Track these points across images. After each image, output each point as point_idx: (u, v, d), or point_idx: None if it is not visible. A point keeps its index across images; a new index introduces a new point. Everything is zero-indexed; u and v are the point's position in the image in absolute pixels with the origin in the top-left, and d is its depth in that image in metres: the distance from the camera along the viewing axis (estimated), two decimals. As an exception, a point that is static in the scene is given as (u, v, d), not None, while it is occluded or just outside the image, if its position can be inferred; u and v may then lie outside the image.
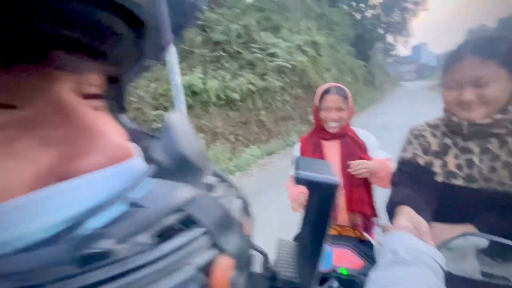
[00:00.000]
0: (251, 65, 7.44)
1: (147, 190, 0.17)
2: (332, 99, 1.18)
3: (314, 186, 0.28)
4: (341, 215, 1.21)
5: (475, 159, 0.71)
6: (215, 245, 0.16)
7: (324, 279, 0.69)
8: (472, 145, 0.72)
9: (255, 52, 7.60)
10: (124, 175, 0.16)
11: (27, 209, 0.13)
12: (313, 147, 1.25)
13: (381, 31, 25.07)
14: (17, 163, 0.14)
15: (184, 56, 6.15)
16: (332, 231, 0.81)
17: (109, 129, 0.18)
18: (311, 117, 6.13)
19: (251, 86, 6.76)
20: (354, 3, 22.60)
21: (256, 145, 6.33)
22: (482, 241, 0.56)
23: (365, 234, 0.74)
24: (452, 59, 0.71)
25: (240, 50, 7.33)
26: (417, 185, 0.76)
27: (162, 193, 0.16)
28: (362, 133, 1.27)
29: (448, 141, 0.77)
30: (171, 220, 0.15)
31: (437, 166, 0.77)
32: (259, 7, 9.86)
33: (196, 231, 0.15)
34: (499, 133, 0.67)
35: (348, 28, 16.82)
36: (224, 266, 0.15)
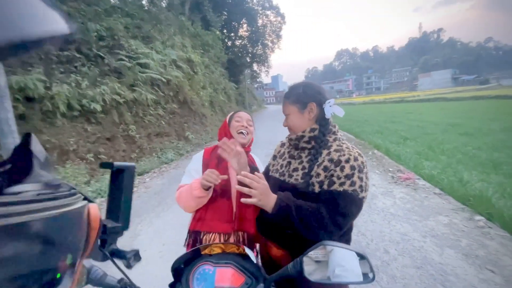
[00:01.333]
0: (118, 73, 6.52)
1: None
2: (243, 114, 1.34)
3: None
4: (233, 232, 1.17)
5: (292, 162, 1.04)
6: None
7: None
8: (292, 152, 1.06)
9: (122, 60, 6.75)
10: None
11: None
12: (217, 161, 1.24)
13: (248, 59, 28.88)
14: None
15: (13, 49, 4.57)
16: (216, 250, 0.76)
17: None
18: (189, 133, 6.01)
19: (117, 97, 5.88)
20: (225, 31, 24.94)
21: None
22: (340, 250, 0.66)
23: (247, 250, 0.73)
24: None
25: (102, 55, 6.29)
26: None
27: None
28: (258, 161, 1.40)
29: (285, 150, 1.13)
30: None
31: (273, 165, 1.14)
32: (127, 12, 8.96)
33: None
34: (303, 146, 1.02)
35: (221, 51, 18.22)
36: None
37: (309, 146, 1.00)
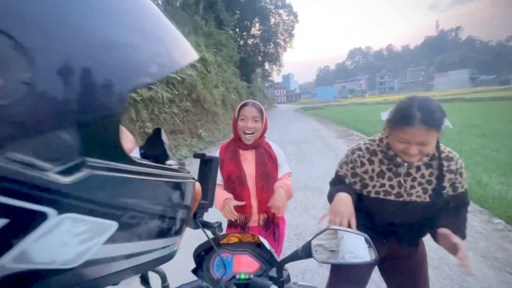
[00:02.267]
0: (135, 71, 6.72)
1: None
2: (249, 110, 1.33)
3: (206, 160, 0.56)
4: (253, 214, 1.37)
5: (402, 181, 1.02)
6: None
7: (227, 286, 0.70)
8: (399, 170, 1.02)
9: (139, 59, 6.94)
10: (137, 152, 0.41)
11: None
12: (230, 155, 1.36)
13: (260, 58, 28.92)
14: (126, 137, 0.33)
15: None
16: (233, 239, 0.82)
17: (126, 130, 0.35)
18: (201, 131, 6.14)
19: (134, 95, 6.07)
20: (238, 30, 25.05)
21: (141, 160, 5.66)
22: (344, 233, 0.71)
23: (261, 239, 0.79)
24: (405, 123, 0.89)
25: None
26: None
27: None
28: (275, 147, 1.46)
29: (384, 167, 1.05)
30: None
31: (370, 186, 1.08)
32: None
33: None
34: (418, 165, 1.01)
35: (234, 50, 18.34)
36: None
37: (424, 161, 1.00)
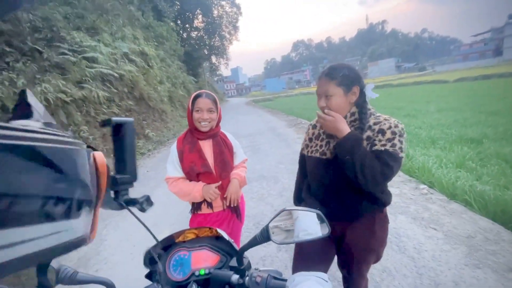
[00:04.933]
0: (61, 69, 5.88)
1: None
2: (204, 102, 1.34)
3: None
4: (217, 201, 1.42)
5: (331, 141, 1.11)
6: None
7: (184, 285, 0.67)
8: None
9: (65, 54, 6.08)
10: None
11: None
12: (190, 146, 1.39)
13: (206, 52, 28.10)
14: None
15: None
16: (190, 236, 0.78)
17: None
18: (148, 131, 5.77)
19: (62, 95, 5.32)
20: (179, 22, 23.84)
21: (79, 168, 5.02)
22: (299, 212, 0.73)
23: (219, 230, 0.76)
24: (318, 78, 1.06)
25: (39, 48, 5.59)
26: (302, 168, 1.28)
27: None
28: (230, 136, 1.54)
29: (319, 131, 1.19)
30: None
31: (310, 147, 1.20)
32: (65, 0, 8.03)
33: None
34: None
35: (177, 44, 17.44)
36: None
37: (352, 128, 1.06)
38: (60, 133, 0.27)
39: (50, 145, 0.23)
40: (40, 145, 0.22)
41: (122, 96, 7.77)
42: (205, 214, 1.44)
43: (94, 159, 0.33)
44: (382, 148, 0.99)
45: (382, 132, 1.01)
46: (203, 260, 0.72)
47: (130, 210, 0.52)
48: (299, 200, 1.36)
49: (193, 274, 0.69)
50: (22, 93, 0.32)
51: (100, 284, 0.60)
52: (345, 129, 1.01)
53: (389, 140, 0.99)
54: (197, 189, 1.36)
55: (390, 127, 1.01)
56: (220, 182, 1.41)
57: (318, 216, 0.68)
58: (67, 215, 0.25)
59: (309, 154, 1.21)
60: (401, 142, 1.00)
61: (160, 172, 5.29)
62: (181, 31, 23.62)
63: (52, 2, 7.12)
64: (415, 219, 2.49)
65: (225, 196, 1.43)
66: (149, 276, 0.74)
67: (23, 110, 0.30)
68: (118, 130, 0.47)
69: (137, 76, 8.55)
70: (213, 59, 30.55)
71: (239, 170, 1.51)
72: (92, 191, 0.30)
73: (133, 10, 12.05)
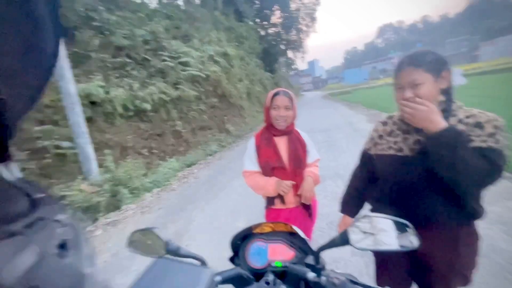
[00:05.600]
0: (162, 73, 7.03)
1: None
2: (281, 100, 1.41)
3: None
4: (289, 197, 1.46)
5: (409, 136, 0.99)
6: None
7: (261, 274, 0.72)
8: (405, 127, 1.01)
9: (165, 60, 7.23)
10: None
11: None
12: (266, 142, 1.47)
13: (282, 47, 28.30)
14: None
15: (77, 60, 5.24)
16: (266, 229, 0.85)
17: None
18: (229, 126, 6.27)
19: (163, 96, 6.36)
20: (258, 20, 24.71)
21: (174, 157, 5.96)
22: (382, 220, 0.69)
23: (295, 228, 0.80)
24: (396, 70, 0.95)
25: (148, 57, 6.82)
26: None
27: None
28: (304, 135, 1.56)
29: (391, 127, 1.07)
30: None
31: (381, 145, 1.09)
32: (166, 14, 9.48)
33: None
34: None
35: (255, 42, 18.19)
36: None
37: None
38: None
39: None
40: None
41: (208, 94, 8.69)
42: (278, 210, 1.50)
43: None
44: (484, 145, 0.83)
45: (479, 126, 0.85)
46: (279, 253, 0.76)
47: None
48: (349, 204, 1.26)
49: (269, 264, 0.74)
50: None
51: (195, 259, 0.72)
52: (439, 121, 0.85)
53: (490, 135, 0.83)
54: (271, 183, 1.42)
55: (489, 120, 0.84)
56: (295, 182, 1.44)
57: (404, 227, 0.63)
58: None
59: (380, 152, 1.08)
60: (505, 138, 0.82)
61: (238, 163, 5.73)
62: (259, 29, 24.47)
63: (156, 18, 8.52)
64: (544, 244, 1.93)
65: (298, 193, 1.45)
66: (232, 259, 0.83)
67: None
68: None
69: (220, 75, 9.38)
70: (289, 53, 30.46)
71: (312, 169, 1.52)
72: None
73: (217, 15, 13.20)
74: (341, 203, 1.33)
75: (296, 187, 1.46)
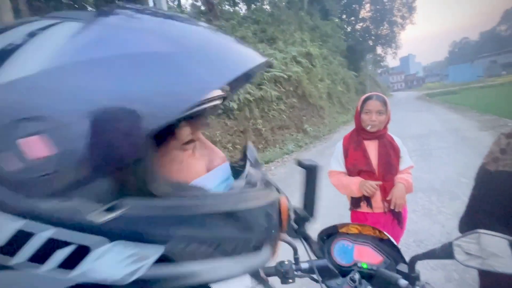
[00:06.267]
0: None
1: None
2: (373, 104, 1.42)
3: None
4: (376, 203, 1.44)
5: None
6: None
7: (346, 272, 0.75)
8: None
9: (251, 63, 7.75)
10: (227, 168, 0.38)
11: (208, 179, 0.33)
12: (355, 145, 1.49)
13: (370, 43, 25.94)
14: (197, 162, 0.34)
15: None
16: (353, 230, 0.87)
17: (215, 148, 0.38)
18: (307, 126, 6.26)
19: (248, 96, 6.87)
20: (344, 16, 23.40)
21: (254, 153, 6.38)
22: (497, 238, 0.62)
23: (385, 233, 0.80)
24: None
25: (237, 61, 7.47)
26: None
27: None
28: (397, 140, 1.52)
29: None
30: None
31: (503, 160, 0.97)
32: (254, 19, 10.13)
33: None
34: None
35: (340, 40, 17.35)
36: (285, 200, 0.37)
37: None
38: (256, 188, 0.36)
39: (251, 205, 0.30)
40: (244, 207, 0.29)
41: (288, 95, 8.86)
42: (364, 213, 1.48)
43: (279, 204, 0.36)
44: None
45: None
46: (366, 256, 0.77)
47: (303, 243, 0.63)
48: (468, 225, 1.11)
49: (355, 264, 0.76)
50: (244, 148, 0.44)
51: (288, 244, 0.80)
52: None
53: None
54: (355, 182, 1.41)
55: None
56: (381, 182, 1.40)
57: None
58: (257, 248, 0.31)
59: (502, 169, 0.95)
60: None
61: (314, 165, 5.67)
62: (345, 26, 23.14)
63: (246, 24, 9.21)
64: None
65: (388, 198, 1.41)
66: (315, 252, 0.91)
67: (242, 165, 0.42)
68: (310, 170, 0.54)
69: (302, 75, 9.41)
70: (379, 49, 27.68)
71: (405, 175, 1.45)
72: (275, 233, 0.35)
73: (303, 15, 13.22)
74: (459, 222, 1.22)
75: (385, 192, 1.42)
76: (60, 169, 0.20)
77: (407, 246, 2.28)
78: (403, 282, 0.66)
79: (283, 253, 0.84)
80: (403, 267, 0.71)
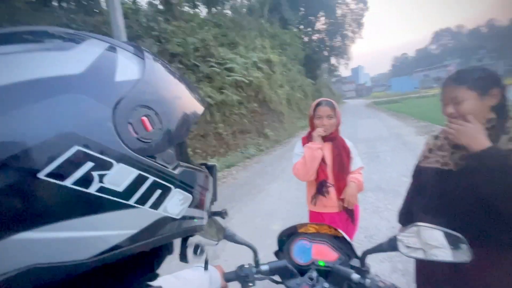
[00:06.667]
0: (209, 78, 7.47)
1: None
2: (323, 110, 1.51)
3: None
4: (331, 202, 1.51)
5: (456, 151, 0.98)
6: None
7: (305, 270, 0.78)
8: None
9: (212, 66, 7.67)
10: None
11: None
12: None
13: (326, 53, 27.79)
14: None
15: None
16: (311, 230, 0.90)
17: None
18: (268, 131, 6.41)
19: (209, 99, 6.76)
20: (302, 27, 24.69)
21: (215, 157, 6.28)
22: (433, 230, 0.70)
23: (339, 230, 0.85)
24: (442, 84, 1.01)
25: (197, 63, 7.32)
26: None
27: None
28: (349, 143, 1.62)
29: (441, 142, 1.07)
30: None
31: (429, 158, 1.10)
32: (215, 23, 10.08)
33: None
34: None
35: (298, 49, 18.21)
36: None
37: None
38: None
39: (206, 174, 0.44)
40: (205, 175, 0.43)
41: (249, 99, 8.96)
42: (321, 213, 1.55)
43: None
44: None
45: None
46: (323, 254, 0.81)
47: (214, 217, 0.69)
48: (405, 216, 1.25)
49: (313, 262, 0.79)
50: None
51: (248, 247, 0.80)
52: (482, 140, 0.86)
53: None
54: (309, 146, 1.50)
55: None
56: (333, 183, 1.50)
57: (455, 239, 0.65)
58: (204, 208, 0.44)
59: (427, 165, 1.09)
60: None
61: (276, 168, 5.81)
62: (303, 36, 24.43)
63: (207, 26, 9.10)
64: None
65: (341, 197, 1.49)
66: (276, 254, 0.90)
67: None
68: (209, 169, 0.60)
69: (262, 81, 9.61)
70: (333, 60, 29.77)
71: (356, 175, 1.55)
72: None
73: (263, 22, 13.57)
74: (398, 214, 1.34)
75: (339, 191, 1.50)
76: (154, 139, 0.30)
77: (360, 242, 2.45)
78: (355, 276, 0.70)
79: (244, 257, 0.83)
80: (355, 262, 0.75)
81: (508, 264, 0.91)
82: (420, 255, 0.69)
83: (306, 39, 25.65)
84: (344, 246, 0.84)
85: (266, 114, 9.94)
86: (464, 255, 0.63)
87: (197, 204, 0.39)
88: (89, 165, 0.24)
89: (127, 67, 0.31)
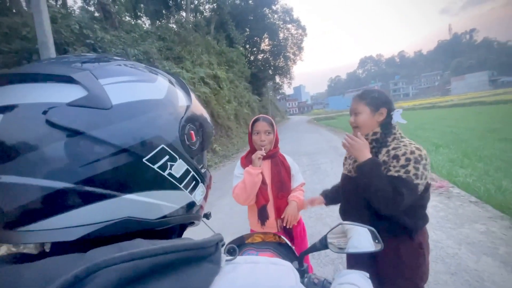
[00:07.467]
0: (153, 92, 7.12)
1: None
2: (261, 125, 1.48)
3: None
4: (270, 221, 1.48)
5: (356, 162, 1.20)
6: None
7: None
8: None
9: (156, 80, 7.36)
10: None
11: None
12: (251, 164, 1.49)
13: (270, 72, 29.46)
14: None
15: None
16: (257, 239, 0.93)
17: None
18: (216, 146, 6.37)
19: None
20: (248, 46, 25.82)
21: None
22: (353, 226, 0.81)
23: (283, 238, 0.90)
24: (352, 100, 1.24)
25: (139, 76, 6.93)
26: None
27: None
28: (288, 159, 1.60)
29: None
30: None
31: (345, 165, 1.36)
32: (160, 36, 9.79)
33: None
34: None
35: (245, 66, 18.89)
36: None
37: (370, 146, 1.17)
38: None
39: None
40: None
41: (197, 114, 8.80)
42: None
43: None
44: (396, 174, 1.04)
45: (396, 158, 1.06)
46: None
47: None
48: (343, 213, 1.42)
49: None
50: None
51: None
52: (366, 154, 1.11)
53: (402, 166, 1.04)
54: (247, 170, 1.43)
55: (405, 153, 1.05)
56: (271, 203, 1.49)
57: (372, 232, 0.76)
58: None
59: (344, 172, 1.34)
60: (416, 168, 1.01)
61: (225, 183, 5.74)
62: (249, 55, 25.49)
63: (150, 39, 8.78)
64: (506, 264, 2.10)
65: (282, 216, 1.46)
66: None
67: None
68: None
69: (210, 96, 9.60)
70: (277, 78, 31.63)
71: (297, 193, 1.54)
72: None
73: (210, 39, 13.75)
74: (339, 211, 1.44)
75: (278, 211, 1.48)
76: (195, 146, 0.40)
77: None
78: None
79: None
80: (295, 264, 0.81)
81: (390, 252, 1.10)
82: (345, 250, 0.78)
83: (252, 57, 26.84)
84: (286, 251, 0.89)
85: (213, 129, 9.88)
86: (379, 244, 0.74)
87: (206, 198, 0.48)
88: (166, 157, 0.35)
89: (182, 96, 0.42)
